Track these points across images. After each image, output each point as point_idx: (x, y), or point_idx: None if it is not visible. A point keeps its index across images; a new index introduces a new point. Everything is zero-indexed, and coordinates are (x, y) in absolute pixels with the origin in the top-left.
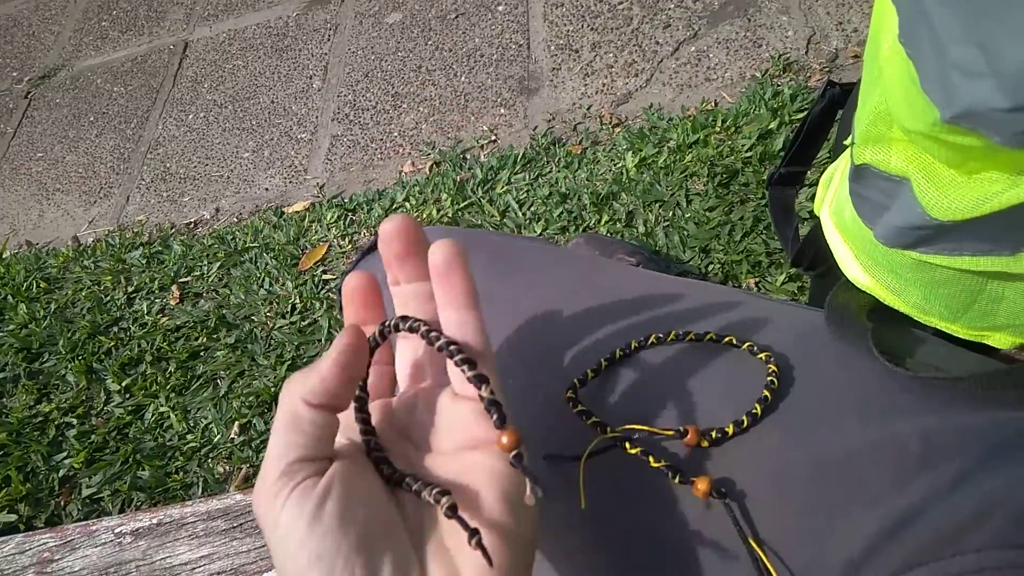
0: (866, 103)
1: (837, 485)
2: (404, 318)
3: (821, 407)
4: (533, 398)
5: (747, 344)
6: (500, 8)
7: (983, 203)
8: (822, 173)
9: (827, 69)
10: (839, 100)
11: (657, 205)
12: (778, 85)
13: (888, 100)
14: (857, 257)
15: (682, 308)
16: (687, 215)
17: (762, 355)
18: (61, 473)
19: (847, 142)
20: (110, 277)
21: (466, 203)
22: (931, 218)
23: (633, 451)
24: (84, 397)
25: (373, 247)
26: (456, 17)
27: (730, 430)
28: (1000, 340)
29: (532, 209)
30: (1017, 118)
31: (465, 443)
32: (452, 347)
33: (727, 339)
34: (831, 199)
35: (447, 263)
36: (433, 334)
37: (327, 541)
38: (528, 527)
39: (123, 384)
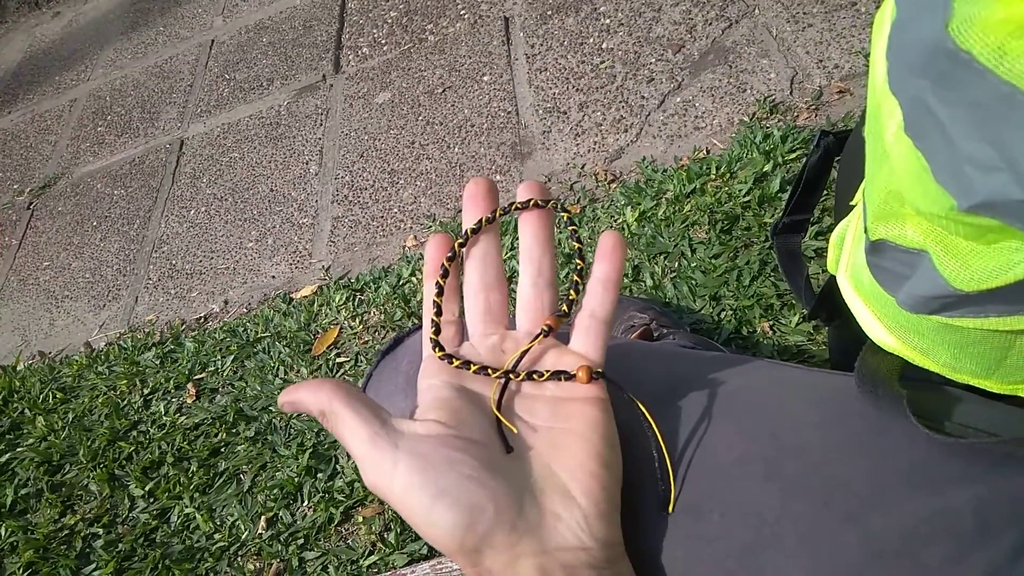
0: (874, 181)
1: (896, 567)
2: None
3: (868, 484)
4: None
5: None
6: (485, 79)
7: (1005, 272)
8: (823, 212)
9: (813, 107)
10: (834, 149)
11: (662, 257)
12: (767, 128)
13: (898, 182)
14: (880, 320)
15: (712, 387)
16: (693, 264)
17: None
18: None
19: (853, 202)
20: (125, 381)
21: None
22: (954, 289)
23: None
24: (108, 506)
25: (391, 348)
26: (443, 91)
27: None
28: None
29: None
30: None
31: (562, 393)
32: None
33: None
34: (846, 263)
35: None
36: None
37: (446, 476)
38: (618, 457)
39: (146, 488)
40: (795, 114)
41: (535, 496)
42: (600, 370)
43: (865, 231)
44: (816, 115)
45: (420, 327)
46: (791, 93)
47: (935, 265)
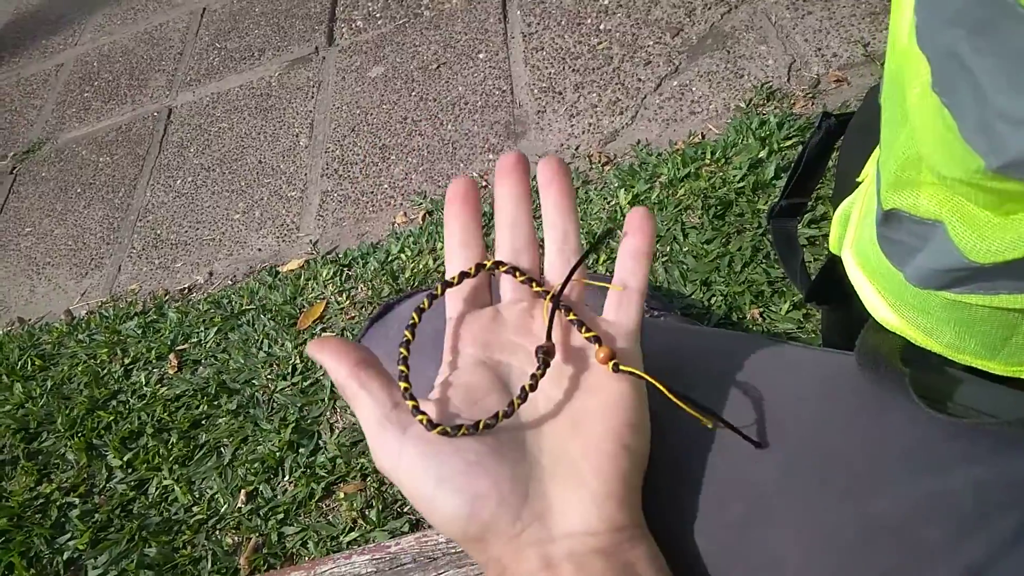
0: (892, 148)
1: (893, 546)
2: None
3: (866, 462)
4: None
5: None
6: (481, 56)
7: (1021, 244)
8: (817, 200)
9: (810, 95)
10: (836, 131)
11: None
12: (763, 114)
13: (919, 146)
14: (884, 298)
15: (713, 361)
16: (685, 249)
17: None
18: (66, 556)
19: (859, 179)
20: (106, 350)
21: None
22: (969, 261)
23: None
24: (85, 475)
25: (381, 315)
26: (438, 67)
27: None
28: None
29: None
30: None
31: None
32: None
33: None
34: (852, 240)
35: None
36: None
37: (449, 463)
38: (643, 440)
39: (124, 459)
40: (792, 102)
41: (543, 480)
42: (618, 364)
43: (878, 201)
44: (813, 103)
45: (411, 295)
46: (788, 80)
47: (950, 236)
